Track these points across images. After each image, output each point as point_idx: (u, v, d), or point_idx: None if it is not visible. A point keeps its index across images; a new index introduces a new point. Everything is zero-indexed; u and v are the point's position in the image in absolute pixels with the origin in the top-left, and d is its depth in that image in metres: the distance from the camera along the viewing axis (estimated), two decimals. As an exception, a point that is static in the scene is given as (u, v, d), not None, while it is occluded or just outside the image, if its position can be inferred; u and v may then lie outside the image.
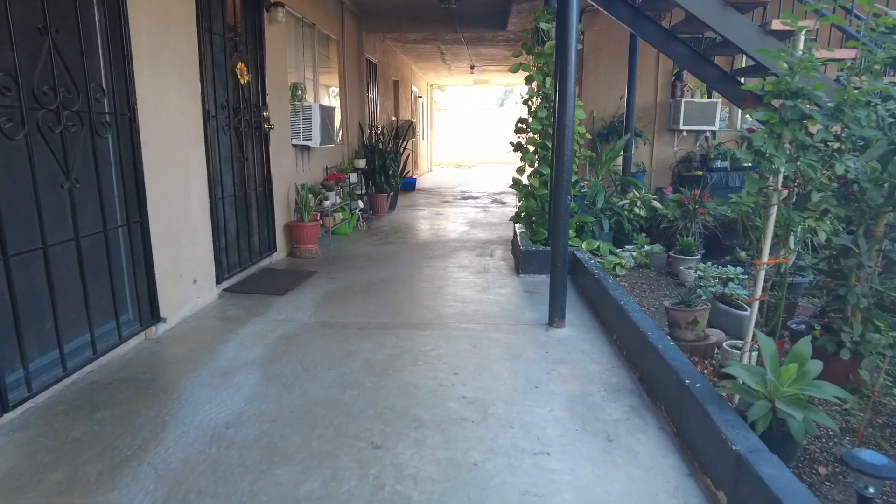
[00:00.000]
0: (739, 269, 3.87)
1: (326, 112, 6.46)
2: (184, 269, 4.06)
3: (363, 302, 4.44)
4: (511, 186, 6.01)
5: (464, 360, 3.28)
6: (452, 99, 26.46)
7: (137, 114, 3.42)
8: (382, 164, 8.92)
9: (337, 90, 8.42)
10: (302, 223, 5.95)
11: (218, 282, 4.58)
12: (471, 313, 4.14)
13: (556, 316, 3.81)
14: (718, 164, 8.59)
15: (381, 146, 9.08)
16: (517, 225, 6.22)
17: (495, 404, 2.76)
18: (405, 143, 9.94)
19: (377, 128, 10.58)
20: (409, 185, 12.79)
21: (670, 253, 5.29)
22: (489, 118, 25.52)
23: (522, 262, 5.20)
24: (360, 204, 7.59)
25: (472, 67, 15.86)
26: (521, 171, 5.86)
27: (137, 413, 2.70)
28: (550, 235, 3.88)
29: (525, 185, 5.93)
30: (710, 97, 9.18)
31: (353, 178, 7.90)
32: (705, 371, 3.08)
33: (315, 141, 6.25)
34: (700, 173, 8.51)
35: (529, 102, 5.87)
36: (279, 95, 5.83)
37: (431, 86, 21.67)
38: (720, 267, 4.08)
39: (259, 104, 5.33)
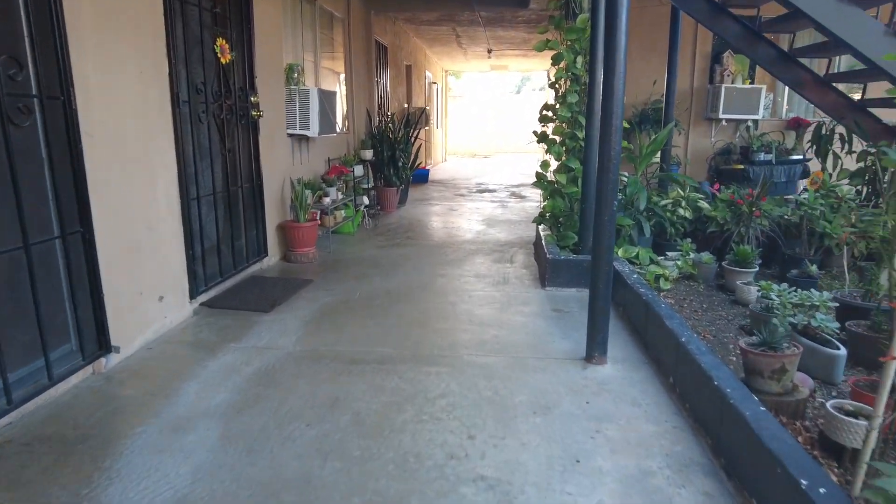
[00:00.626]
0: (826, 295, 3.10)
1: (327, 97, 5.74)
2: (146, 285, 3.39)
3: (362, 323, 3.75)
4: (534, 184, 5.26)
5: (481, 414, 2.57)
6: (468, 85, 25.60)
7: (74, 97, 2.73)
8: (392, 155, 8.20)
9: (343, 75, 7.69)
10: (297, 224, 5.26)
11: (192, 296, 3.91)
12: (489, 341, 3.43)
13: (595, 350, 3.08)
14: (762, 156, 7.75)
15: (390, 135, 8.35)
16: (541, 226, 5.48)
17: (524, 491, 2.05)
18: (417, 131, 9.20)
19: (387, 116, 9.85)
20: (422, 177, 12.06)
21: (722, 263, 4.52)
22: (505, 106, 24.65)
23: (549, 272, 4.47)
24: (366, 200, 6.89)
25: (489, 51, 15.01)
26: (545, 165, 5.11)
27: (48, 495, 2.03)
28: (592, 249, 3.14)
29: (550, 182, 5.18)
30: (752, 82, 8.32)
31: (359, 170, 7.19)
32: (799, 438, 2.34)
33: (314, 130, 5.55)
34: (740, 167, 7.68)
35: (557, 86, 5.10)
36: (272, 78, 5.12)
37: (447, 72, 20.84)
38: (794, 288, 3.32)
39: (246, 88, 4.63)
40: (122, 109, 3.13)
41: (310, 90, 5.49)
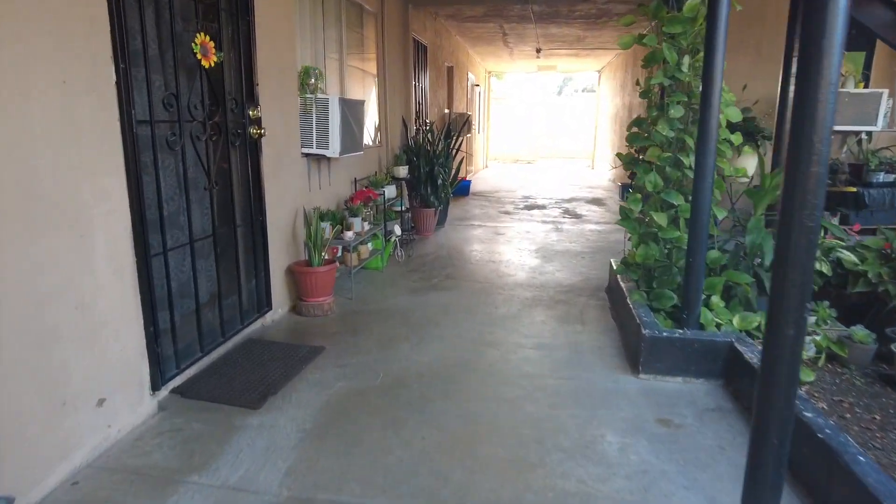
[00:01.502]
0: None
1: (351, 108, 4.66)
2: (72, 390, 2.34)
3: (382, 439, 2.62)
4: (619, 222, 4.05)
5: None
6: (509, 87, 24.35)
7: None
8: (430, 171, 7.08)
9: (375, 79, 6.62)
10: (310, 268, 4.18)
11: (157, 386, 2.86)
12: (573, 493, 2.25)
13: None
14: (881, 177, 6.35)
15: (428, 147, 7.24)
16: (619, 275, 4.27)
17: None
18: (459, 142, 8.07)
19: (426, 124, 8.75)
20: (463, 190, 10.93)
21: (891, 346, 3.23)
22: (548, 108, 23.28)
23: (644, 352, 3.26)
24: (398, 231, 5.78)
25: (537, 51, 13.77)
26: (634, 199, 3.89)
27: None
28: (761, 376, 1.89)
29: (640, 221, 3.96)
30: (866, 85, 6.89)
31: (391, 191, 6.10)
32: None
33: (334, 149, 4.47)
34: (852, 189, 6.29)
35: (650, 95, 3.89)
36: (280, 86, 4.06)
37: (489, 73, 19.66)
38: None
39: (242, 99, 3.57)
40: (22, 136, 2.08)
41: (329, 100, 4.41)
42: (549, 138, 22.98)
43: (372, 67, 6.55)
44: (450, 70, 11.92)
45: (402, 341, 3.75)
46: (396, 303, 4.55)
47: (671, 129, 3.61)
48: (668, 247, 3.74)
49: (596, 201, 10.56)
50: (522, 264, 5.78)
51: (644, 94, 3.89)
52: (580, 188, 12.75)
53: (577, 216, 8.83)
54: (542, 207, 9.71)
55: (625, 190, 11.05)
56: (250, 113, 3.61)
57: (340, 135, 4.47)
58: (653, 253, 3.73)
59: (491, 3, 7.88)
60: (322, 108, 4.42)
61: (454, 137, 7.79)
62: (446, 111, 11.48)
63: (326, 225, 4.56)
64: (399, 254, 5.90)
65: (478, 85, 16.34)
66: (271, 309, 4.04)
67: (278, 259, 4.16)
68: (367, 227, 5.00)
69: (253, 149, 3.71)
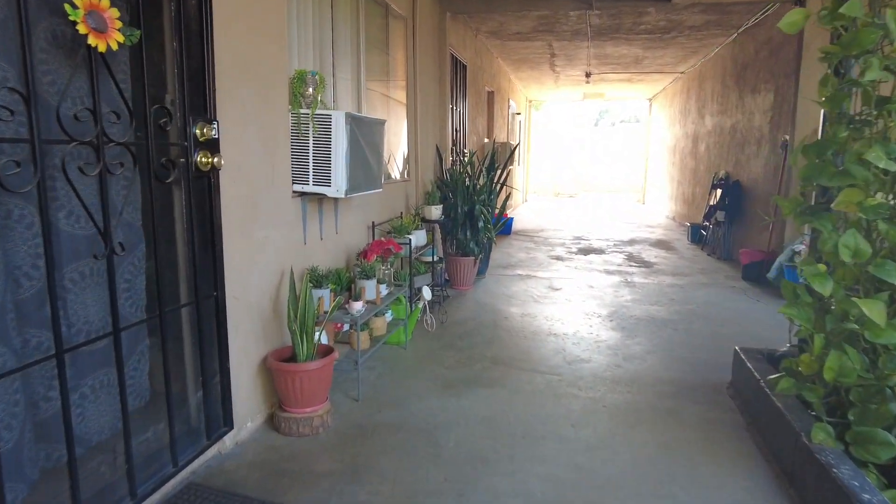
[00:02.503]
0: None
1: (364, 128, 3.33)
2: None
3: None
4: (784, 309, 2.56)
5: None
6: (547, 117, 23.02)
7: None
8: (469, 212, 5.70)
9: (402, 96, 5.33)
10: (294, 366, 2.80)
11: None
12: None
13: None
14: None
15: (467, 182, 5.89)
16: (781, 384, 2.75)
17: None
18: (505, 176, 6.70)
19: (462, 154, 7.43)
20: (505, 228, 9.53)
21: None
22: (588, 140, 21.87)
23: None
24: (427, 294, 4.36)
25: (587, 75, 12.44)
26: (815, 273, 2.39)
27: None
28: None
29: (822, 308, 2.45)
30: None
31: (420, 238, 4.73)
32: None
33: (338, 185, 3.13)
34: None
35: (844, 101, 2.44)
36: (259, 95, 2.77)
37: (531, 102, 18.43)
38: None
39: (184, 110, 2.26)
40: None
41: (333, 117, 3.09)
42: (591, 171, 21.52)
43: (398, 84, 5.27)
44: (490, 95, 10.66)
45: (430, 499, 2.31)
46: (422, 410, 3.11)
47: (890, 157, 2.13)
48: (878, 355, 2.22)
49: (661, 244, 9.00)
50: (596, 340, 4.29)
51: (832, 103, 2.43)
52: (637, 227, 11.20)
53: (645, 264, 7.29)
54: (600, 251, 8.20)
55: (696, 231, 9.52)
56: (197, 132, 2.30)
57: (348, 166, 3.13)
58: (852, 366, 2.21)
59: (545, 5, 6.55)
60: (322, 128, 3.10)
61: (498, 170, 6.42)
62: (486, 141, 10.18)
63: (326, 292, 3.19)
64: (428, 321, 4.48)
65: (519, 113, 15.07)
66: (233, 428, 2.66)
67: (248, 349, 2.80)
68: (385, 291, 3.61)
69: (204, 187, 2.39)
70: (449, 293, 5.54)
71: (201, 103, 2.34)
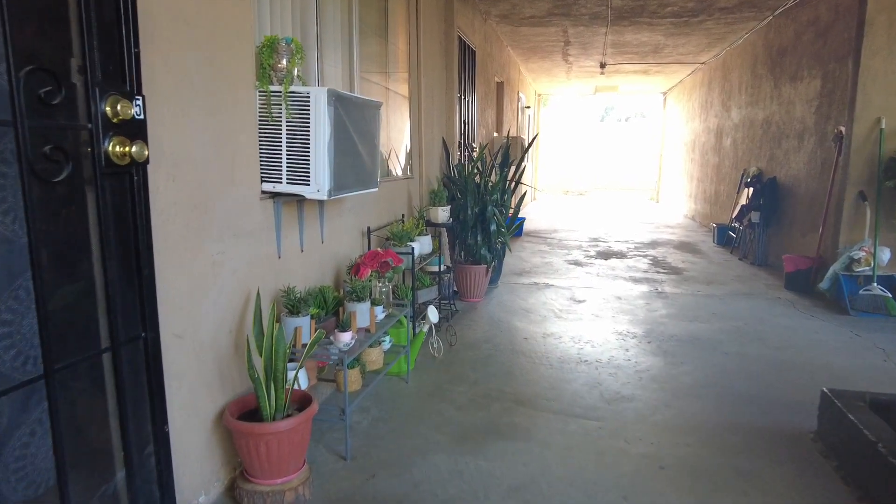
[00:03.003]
0: None
1: (352, 111, 2.63)
2: None
3: None
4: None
5: None
6: (554, 113, 22.25)
7: None
8: (481, 213, 5.01)
9: (405, 82, 4.64)
10: (257, 427, 2.11)
11: None
12: None
13: None
14: None
15: (478, 179, 5.19)
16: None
17: None
18: (520, 173, 6.00)
19: (470, 148, 6.73)
20: (516, 230, 8.82)
21: None
22: (593, 136, 21.12)
23: None
24: (433, 316, 3.66)
25: (601, 66, 11.71)
26: None
27: None
28: None
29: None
30: None
31: (425, 245, 4.03)
32: None
33: (319, 183, 2.43)
34: None
35: None
36: (212, 64, 2.08)
37: (540, 96, 17.69)
38: None
39: (87, 74, 1.57)
40: None
41: (311, 95, 2.39)
42: (600, 168, 20.78)
43: (400, 77, 4.57)
44: (499, 86, 9.95)
45: None
46: (429, 475, 2.41)
47: None
48: None
49: (686, 247, 8.28)
50: (636, 368, 3.59)
51: None
52: (655, 227, 10.48)
53: (674, 270, 6.57)
54: (622, 255, 7.48)
55: (722, 233, 8.77)
56: (107, 110, 1.60)
57: (332, 159, 2.44)
58: None
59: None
60: (299, 110, 2.41)
61: (512, 166, 5.72)
62: (495, 135, 9.46)
63: (305, 321, 2.50)
64: (435, 343, 3.78)
65: (528, 107, 14.35)
66: (171, 512, 1.97)
67: (198, 401, 2.12)
68: (381, 315, 2.92)
69: (123, 188, 1.70)
70: (458, 307, 4.84)
71: (116, 70, 1.65)
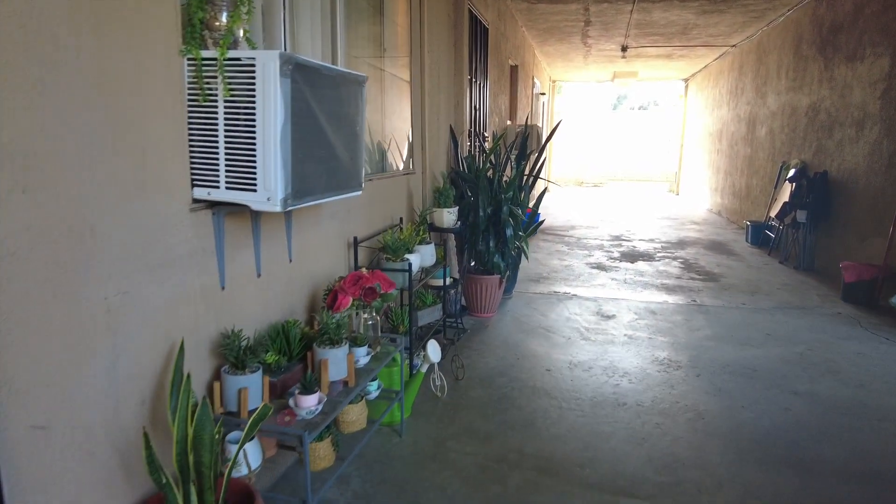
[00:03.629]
0: None
1: (320, 86, 1.91)
2: None
3: None
4: None
5: None
6: (568, 100, 21.35)
7: None
8: (494, 214, 4.28)
9: (402, 66, 3.91)
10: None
11: None
12: None
13: None
14: None
15: (491, 174, 4.47)
16: None
17: None
18: (539, 167, 5.25)
19: (482, 138, 5.98)
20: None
21: None
22: (607, 125, 20.21)
23: None
24: (433, 354, 2.93)
25: (623, 49, 10.88)
26: None
27: None
28: None
29: None
30: None
31: (428, 254, 3.32)
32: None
33: (268, 190, 1.72)
34: None
35: None
36: (97, 6, 1.37)
37: (554, 82, 16.86)
38: None
39: None
40: None
41: (257, 62, 1.67)
42: (616, 159, 19.91)
43: (400, 60, 3.84)
44: (513, 70, 9.17)
45: None
46: None
47: None
48: None
49: (717, 247, 7.51)
50: (686, 415, 2.87)
51: None
52: (680, 223, 9.69)
53: (710, 276, 5.82)
54: (649, 257, 6.73)
55: (757, 231, 7.97)
56: None
57: (287, 155, 1.72)
58: None
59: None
60: (242, 84, 1.69)
61: (531, 158, 4.97)
62: (508, 123, 8.70)
63: (253, 379, 1.81)
64: (437, 380, 3.07)
65: (543, 94, 13.53)
66: None
67: (76, 517, 1.43)
68: (364, 359, 2.22)
69: None
70: (467, 325, 4.13)
71: None
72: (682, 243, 7.72)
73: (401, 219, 3.63)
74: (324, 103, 1.92)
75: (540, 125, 12.76)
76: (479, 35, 6.10)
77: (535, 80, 11.97)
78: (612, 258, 6.66)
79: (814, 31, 6.91)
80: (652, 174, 19.63)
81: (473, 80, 5.90)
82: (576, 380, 3.27)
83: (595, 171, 19.78)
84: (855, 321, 4.43)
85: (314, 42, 2.72)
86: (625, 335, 4.03)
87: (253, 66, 1.67)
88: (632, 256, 6.76)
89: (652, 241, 7.85)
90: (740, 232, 8.54)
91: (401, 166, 3.93)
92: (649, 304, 4.81)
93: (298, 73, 1.74)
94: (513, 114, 9.41)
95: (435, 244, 3.53)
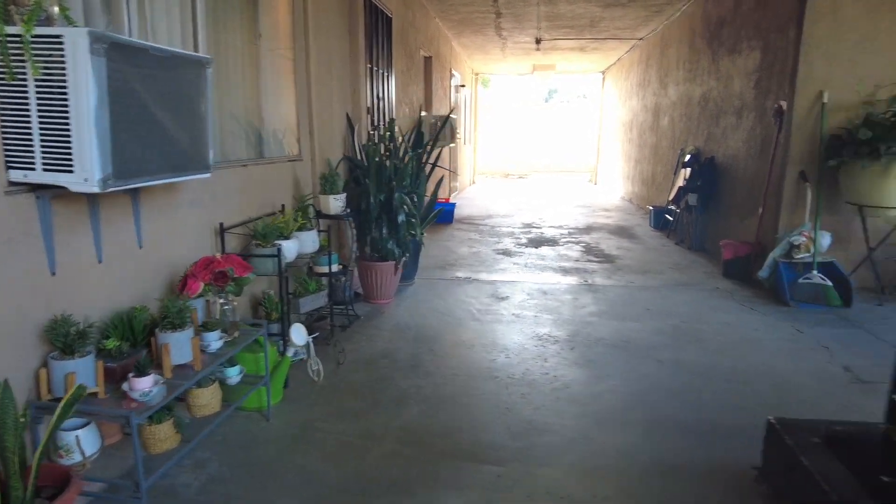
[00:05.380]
0: None
1: (143, 67, 1.90)
2: None
3: None
4: None
5: None
6: (495, 95, 21.65)
7: None
8: (387, 202, 4.33)
9: (286, 47, 3.88)
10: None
11: None
12: None
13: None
14: None
15: (387, 162, 4.50)
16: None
17: None
18: (433, 153, 5.31)
19: (380, 127, 6.00)
20: (445, 216, 8.21)
21: None
22: (538, 118, 20.68)
23: None
24: (297, 338, 2.93)
25: (537, 42, 11.15)
26: None
27: None
28: None
29: None
30: None
31: (307, 242, 3.32)
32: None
33: (87, 173, 1.68)
34: None
35: None
36: None
37: (477, 75, 17.05)
38: None
39: None
40: None
41: (66, 40, 1.63)
42: (541, 151, 20.40)
43: (279, 27, 3.80)
44: (427, 62, 9.22)
45: None
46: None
47: None
48: None
49: (622, 231, 7.87)
50: (553, 385, 3.02)
51: None
52: (592, 210, 10.08)
53: (607, 258, 6.10)
54: (554, 242, 6.97)
55: (658, 216, 8.41)
56: None
57: (104, 134, 1.70)
58: None
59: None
60: (51, 62, 1.65)
61: (427, 146, 5.04)
62: (423, 114, 8.76)
63: (84, 363, 1.78)
64: (315, 366, 3.08)
65: (464, 86, 13.67)
66: None
67: None
68: (217, 343, 2.22)
69: None
70: (362, 312, 4.17)
71: None
72: (588, 229, 8.03)
73: (283, 206, 3.61)
74: (155, 84, 1.90)
75: (462, 117, 12.90)
76: (381, 24, 6.11)
77: (454, 71, 12.08)
78: (519, 244, 6.85)
79: (704, 26, 7.32)
80: (574, 165, 20.22)
81: (375, 69, 5.90)
82: (457, 357, 3.38)
83: (521, 162, 20.19)
84: (729, 295, 4.77)
85: (171, 26, 2.66)
86: (513, 314, 4.18)
87: (61, 43, 1.63)
88: (538, 242, 6.98)
89: (560, 227, 8.13)
90: (646, 217, 8.97)
91: (287, 153, 3.90)
92: (543, 285, 4.99)
93: (117, 52, 1.71)
94: (428, 105, 9.47)
95: (318, 231, 3.53)
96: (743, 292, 4.83)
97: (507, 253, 6.34)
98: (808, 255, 4.50)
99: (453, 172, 11.22)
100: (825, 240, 4.51)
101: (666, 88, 9.24)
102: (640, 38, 10.92)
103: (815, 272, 4.47)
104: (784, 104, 4.80)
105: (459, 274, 5.38)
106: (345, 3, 4.81)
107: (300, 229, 3.29)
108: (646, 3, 8.11)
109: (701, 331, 3.86)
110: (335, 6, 4.56)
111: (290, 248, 3.05)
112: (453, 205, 8.79)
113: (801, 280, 4.50)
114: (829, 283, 4.47)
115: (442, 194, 9.36)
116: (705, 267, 5.74)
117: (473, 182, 16.23)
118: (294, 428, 2.56)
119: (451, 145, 10.14)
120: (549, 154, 20.45)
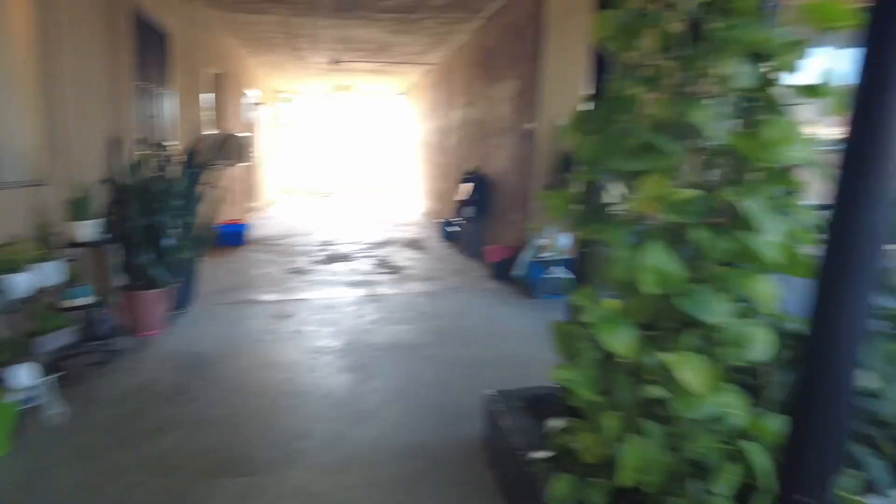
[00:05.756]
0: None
1: None
2: None
3: None
4: (559, 379, 1.67)
5: None
6: (296, 112, 21.47)
7: None
8: (149, 226, 4.13)
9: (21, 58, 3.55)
10: None
11: None
12: None
13: None
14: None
15: (151, 185, 4.30)
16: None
17: None
18: (211, 175, 5.17)
19: (160, 147, 5.70)
20: (235, 238, 7.98)
21: None
22: (342, 137, 21.03)
23: None
24: (19, 380, 2.70)
25: (336, 63, 11.36)
26: (609, 321, 1.50)
27: None
28: None
29: (621, 365, 1.61)
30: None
31: (50, 275, 3.07)
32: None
33: None
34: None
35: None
36: None
37: (278, 93, 16.77)
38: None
39: None
40: None
41: None
42: (347, 169, 20.70)
43: (19, 34, 3.48)
44: (219, 79, 8.91)
45: None
46: None
47: (719, 126, 1.32)
48: (686, 436, 1.44)
49: (413, 244, 8.36)
50: (321, 393, 3.17)
51: (617, 40, 1.58)
52: (391, 226, 10.52)
53: (395, 270, 6.46)
54: (347, 258, 7.18)
55: (446, 227, 9.11)
56: None
57: None
58: (658, 458, 1.39)
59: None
60: None
61: (203, 166, 4.91)
62: (206, 133, 8.42)
63: None
64: (59, 409, 2.85)
65: (262, 104, 13.38)
66: None
67: None
68: None
69: None
70: (124, 346, 3.91)
71: None
72: (384, 244, 8.39)
73: (15, 238, 3.28)
74: None
75: (249, 135, 12.59)
76: (153, 41, 5.81)
77: (251, 89, 11.79)
78: (313, 262, 6.93)
79: (479, 55, 8.14)
80: (380, 184, 20.81)
81: (149, 86, 5.60)
82: (226, 380, 3.37)
83: (326, 181, 20.22)
84: (494, 294, 5.37)
85: None
86: (294, 331, 4.26)
87: None
88: (332, 259, 7.13)
89: (356, 243, 8.38)
90: (439, 230, 9.61)
91: (29, 177, 3.55)
92: (330, 300, 5.15)
93: None
94: (221, 122, 9.14)
95: (65, 261, 3.28)
96: (505, 291, 5.47)
97: (298, 272, 6.38)
98: (552, 253, 5.26)
99: (245, 192, 10.90)
100: (563, 240, 5.31)
101: (453, 111, 10.04)
102: (433, 64, 11.70)
103: (557, 267, 5.24)
104: (532, 126, 5.58)
105: (245, 297, 5.30)
106: (106, 16, 4.52)
107: (39, 260, 3.04)
108: (430, 31, 8.75)
109: (463, 327, 4.32)
110: (95, 21, 4.27)
111: (22, 282, 2.81)
112: (243, 226, 8.53)
113: (546, 275, 5.25)
114: (572, 275, 5.27)
115: (234, 215, 9.08)
116: (479, 271, 6.37)
117: (275, 202, 15.88)
118: (27, 473, 2.37)
119: (247, 164, 9.88)
120: (354, 173, 20.78)
